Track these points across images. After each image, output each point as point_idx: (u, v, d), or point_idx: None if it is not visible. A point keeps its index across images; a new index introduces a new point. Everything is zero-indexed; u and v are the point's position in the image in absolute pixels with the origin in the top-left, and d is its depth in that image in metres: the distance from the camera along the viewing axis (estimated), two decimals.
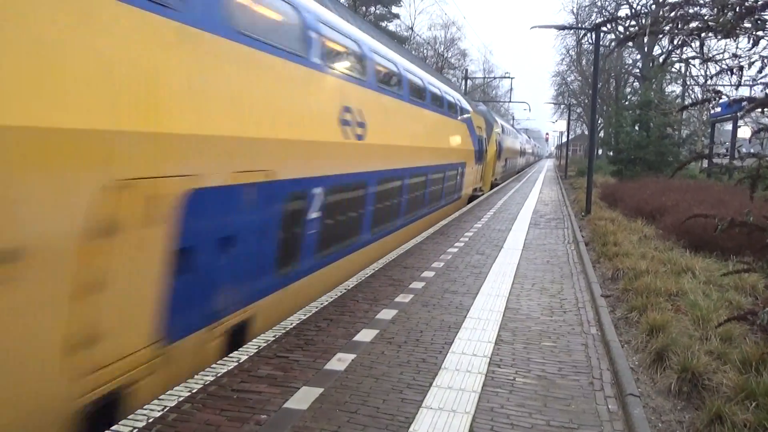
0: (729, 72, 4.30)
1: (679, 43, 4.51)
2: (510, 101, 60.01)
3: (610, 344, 5.23)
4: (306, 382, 4.25)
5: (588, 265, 8.93)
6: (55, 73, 3.04)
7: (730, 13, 3.85)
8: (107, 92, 3.36)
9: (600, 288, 7.52)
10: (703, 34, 4.00)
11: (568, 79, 56.14)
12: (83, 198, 3.23)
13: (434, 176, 13.40)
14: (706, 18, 4.08)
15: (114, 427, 3.46)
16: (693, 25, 4.14)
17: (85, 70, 3.22)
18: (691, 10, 4.20)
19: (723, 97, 4.43)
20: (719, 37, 4.09)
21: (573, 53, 48.44)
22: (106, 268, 3.45)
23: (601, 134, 39.09)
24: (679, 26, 4.15)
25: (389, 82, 10.00)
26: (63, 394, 3.29)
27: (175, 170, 3.97)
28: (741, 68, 4.24)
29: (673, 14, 4.19)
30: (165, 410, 3.71)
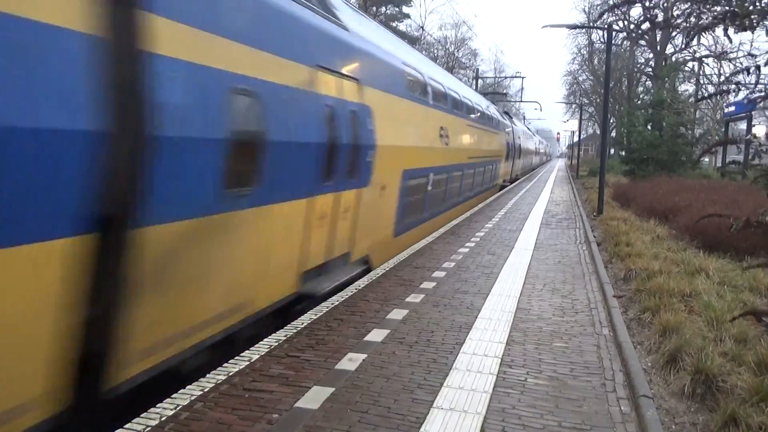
0: (746, 72, 4.23)
1: (696, 32, 4.42)
2: (521, 101, 59.83)
3: (623, 345, 5.19)
4: (317, 382, 4.26)
5: (600, 265, 8.87)
6: None
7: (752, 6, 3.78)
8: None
9: (612, 288, 7.47)
10: (727, 21, 3.88)
11: (580, 78, 55.78)
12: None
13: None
14: (732, 3, 3.98)
15: (127, 426, 3.50)
16: (716, 9, 4.05)
17: None
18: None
19: (742, 89, 4.36)
20: (738, 29, 4.00)
21: (584, 52, 48.14)
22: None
23: (613, 134, 38.80)
24: (701, 9, 4.06)
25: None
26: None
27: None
28: (758, 67, 4.17)
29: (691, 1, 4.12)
30: (177, 409, 3.74)
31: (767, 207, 4.89)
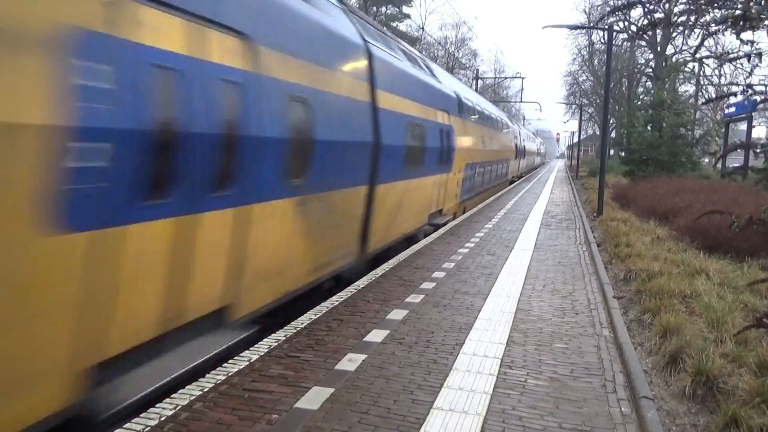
0: (747, 58, 4.20)
1: (700, 37, 4.42)
2: (521, 101, 59.84)
3: (623, 346, 5.18)
4: (317, 382, 4.25)
5: (600, 266, 8.86)
6: None
7: (756, 7, 3.76)
8: None
9: (612, 289, 7.46)
10: (741, 23, 3.86)
11: (580, 78, 55.79)
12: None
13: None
14: (738, 6, 3.97)
15: (126, 426, 3.48)
16: (719, 14, 4.03)
17: None
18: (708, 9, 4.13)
19: (749, 91, 4.33)
20: (744, 30, 3.97)
21: (585, 53, 48.16)
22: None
23: (613, 134, 38.82)
24: (705, 12, 4.05)
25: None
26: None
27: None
28: (760, 54, 4.12)
29: (698, 3, 4.10)
30: (177, 409, 3.73)
31: None
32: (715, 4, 4.07)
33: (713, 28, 4.14)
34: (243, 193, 4.74)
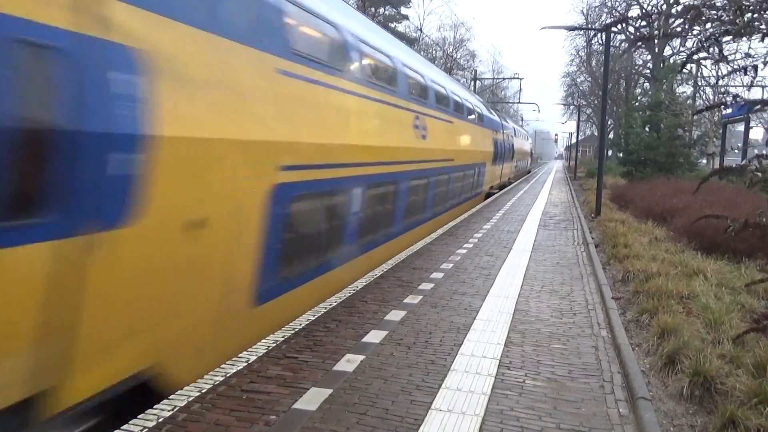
0: (743, 71, 4.23)
1: (695, 48, 4.45)
2: (519, 102, 59.89)
3: (621, 347, 5.19)
4: (315, 383, 4.25)
5: (598, 266, 8.87)
6: None
7: (747, 15, 3.80)
8: None
9: (610, 290, 7.47)
10: (723, 38, 3.92)
11: (578, 79, 55.93)
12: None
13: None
14: (723, 20, 4.02)
15: (124, 427, 3.48)
16: (708, 26, 4.08)
17: None
18: (705, 12, 4.14)
19: (739, 100, 4.36)
20: (735, 39, 4.02)
21: (583, 54, 48.27)
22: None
23: (611, 135, 38.88)
24: (693, 27, 4.10)
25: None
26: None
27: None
28: (755, 67, 4.17)
29: (687, 15, 4.14)
30: (175, 410, 3.73)
31: (764, 209, 4.90)
32: (704, 17, 4.10)
33: (705, 43, 4.17)
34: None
